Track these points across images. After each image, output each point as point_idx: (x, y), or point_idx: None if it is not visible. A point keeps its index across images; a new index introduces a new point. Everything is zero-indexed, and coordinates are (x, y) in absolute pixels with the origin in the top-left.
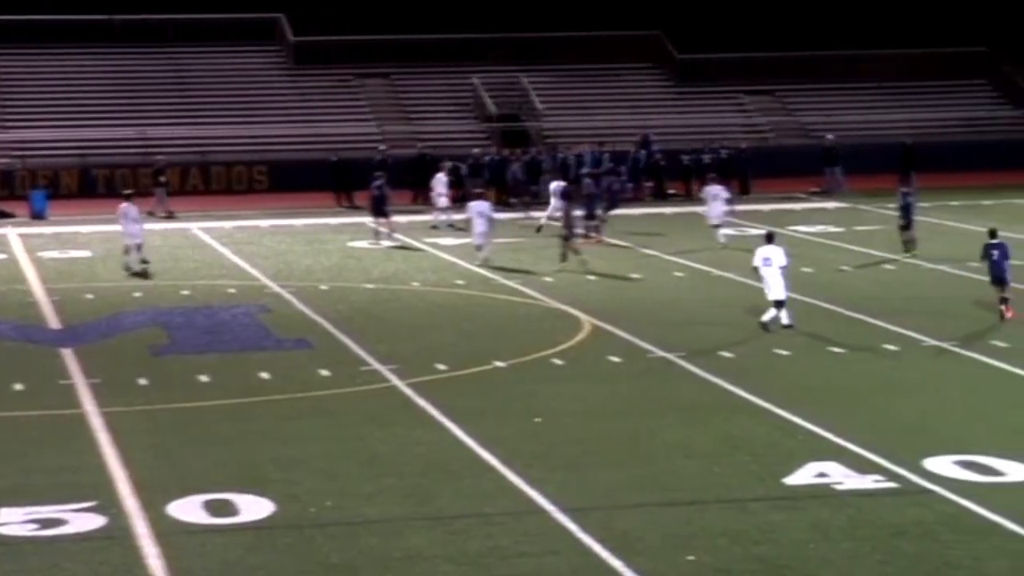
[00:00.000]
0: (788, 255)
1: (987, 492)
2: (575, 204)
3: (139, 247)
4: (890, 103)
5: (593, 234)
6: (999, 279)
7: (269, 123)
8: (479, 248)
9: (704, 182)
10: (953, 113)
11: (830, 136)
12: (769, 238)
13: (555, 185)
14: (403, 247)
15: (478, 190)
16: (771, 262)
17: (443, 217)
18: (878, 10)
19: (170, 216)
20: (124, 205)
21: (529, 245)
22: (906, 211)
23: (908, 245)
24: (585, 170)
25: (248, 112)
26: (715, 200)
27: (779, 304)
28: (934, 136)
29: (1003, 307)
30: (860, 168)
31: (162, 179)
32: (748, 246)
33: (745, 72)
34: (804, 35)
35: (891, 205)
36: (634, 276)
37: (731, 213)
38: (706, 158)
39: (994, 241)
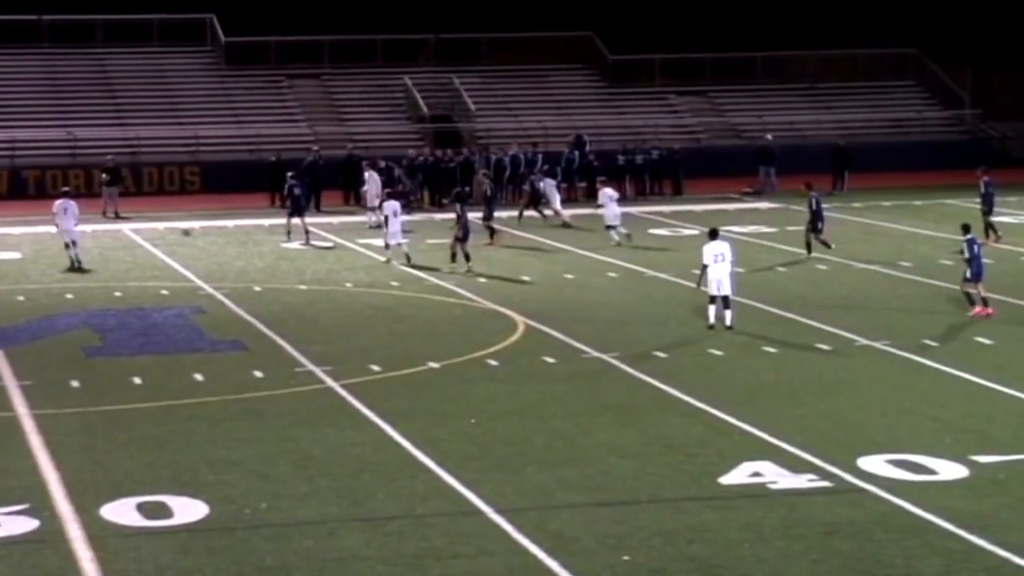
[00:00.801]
0: (734, 251)
1: (920, 491)
2: (469, 206)
3: (74, 243)
4: (820, 104)
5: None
6: (979, 274)
7: (200, 124)
8: (390, 246)
9: (601, 184)
10: (883, 114)
11: (769, 136)
12: (713, 234)
13: (548, 180)
14: (319, 247)
15: (388, 190)
16: (724, 258)
17: (374, 218)
18: (808, 11)
19: (116, 216)
20: (61, 201)
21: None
22: (817, 214)
23: (810, 247)
24: (482, 171)
25: (179, 113)
26: (611, 202)
27: (726, 301)
28: (864, 137)
29: (983, 307)
30: (791, 169)
31: (104, 177)
32: (681, 246)
33: (676, 73)
34: (735, 36)
35: (824, 205)
36: (568, 276)
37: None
38: (639, 159)
39: (971, 236)
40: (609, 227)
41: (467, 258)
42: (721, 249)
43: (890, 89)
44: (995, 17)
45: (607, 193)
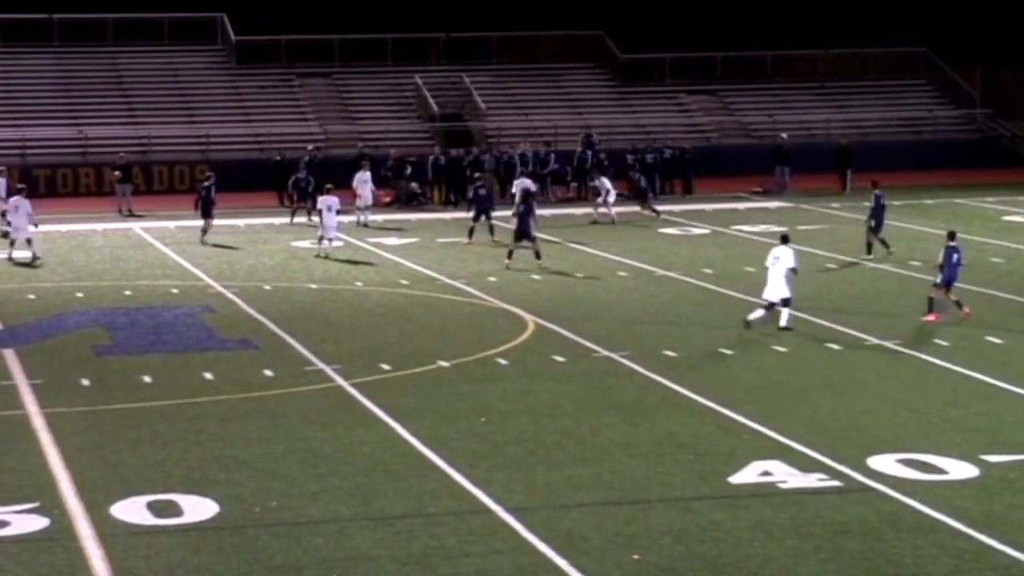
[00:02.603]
0: (797, 258)
1: (929, 490)
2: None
3: (29, 241)
4: (831, 103)
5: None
6: (951, 281)
7: (211, 123)
8: (329, 240)
9: (522, 175)
10: (893, 113)
11: (783, 135)
12: (784, 239)
13: (605, 180)
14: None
15: (329, 185)
16: (778, 261)
17: (366, 216)
18: (819, 10)
19: (130, 214)
20: (15, 199)
21: (473, 244)
22: (879, 211)
23: (884, 243)
24: (479, 173)
25: (189, 112)
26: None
27: (785, 302)
28: (875, 136)
29: (937, 314)
30: (801, 168)
31: (117, 175)
32: (691, 246)
33: (687, 72)
34: (745, 35)
35: (835, 204)
36: (578, 275)
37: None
38: (649, 157)
39: (953, 244)
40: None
41: (537, 255)
42: (780, 253)
43: (900, 88)
44: (1005, 16)
45: (519, 183)
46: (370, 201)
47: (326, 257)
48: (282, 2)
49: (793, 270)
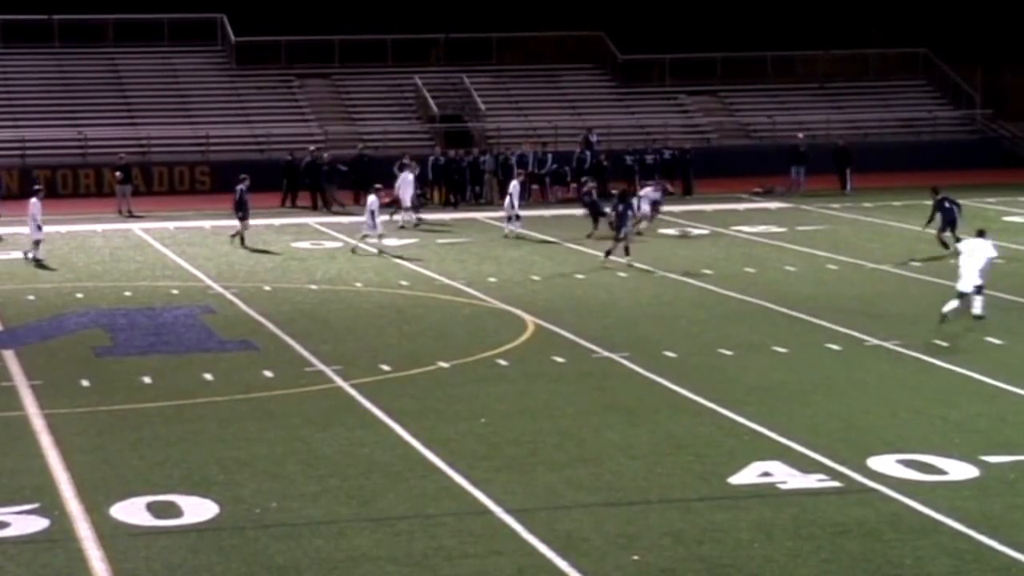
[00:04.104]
0: (995, 247)
1: (930, 491)
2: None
3: None
4: (831, 103)
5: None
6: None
7: (210, 124)
8: (379, 237)
9: (518, 176)
10: (893, 114)
11: (800, 135)
12: (980, 234)
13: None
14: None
15: (378, 185)
16: (975, 253)
17: (410, 216)
18: (819, 10)
19: (130, 215)
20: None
21: (473, 244)
22: (948, 215)
23: (944, 243)
24: (585, 176)
25: (189, 113)
26: (516, 195)
27: (978, 289)
28: (875, 136)
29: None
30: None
31: (118, 175)
32: (691, 246)
33: (687, 73)
34: (746, 36)
35: (835, 205)
36: (578, 276)
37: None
38: (649, 158)
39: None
40: (511, 217)
41: (626, 251)
42: (974, 246)
43: (900, 89)
44: (1006, 16)
45: (513, 185)
46: (409, 203)
47: (379, 252)
48: (282, 3)
49: (990, 259)
